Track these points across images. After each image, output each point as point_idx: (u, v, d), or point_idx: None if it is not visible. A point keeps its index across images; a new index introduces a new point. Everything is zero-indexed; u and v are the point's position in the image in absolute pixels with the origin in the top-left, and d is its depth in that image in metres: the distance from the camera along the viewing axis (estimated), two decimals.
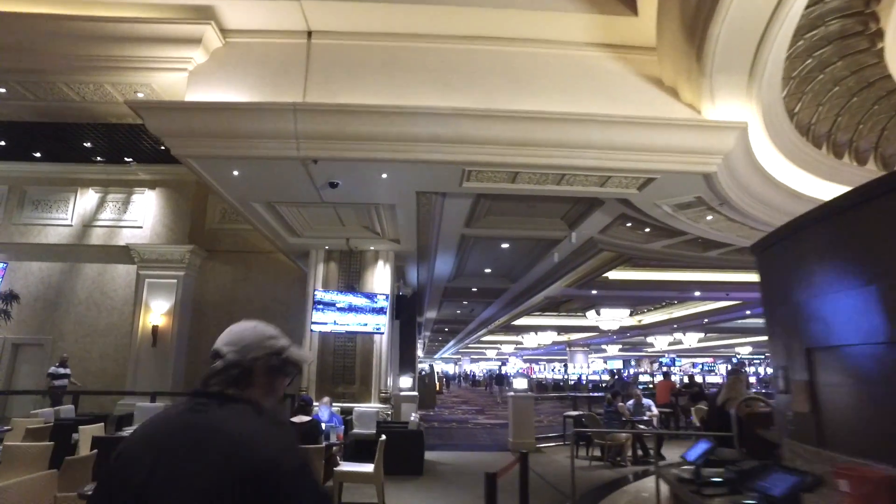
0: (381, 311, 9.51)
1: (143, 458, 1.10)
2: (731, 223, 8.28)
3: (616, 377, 22.05)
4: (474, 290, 16.26)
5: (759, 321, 25.66)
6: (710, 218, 7.95)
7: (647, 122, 5.81)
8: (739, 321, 27.78)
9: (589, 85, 6.07)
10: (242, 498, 1.00)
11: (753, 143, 6.45)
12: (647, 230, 9.77)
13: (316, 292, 9.38)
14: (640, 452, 8.82)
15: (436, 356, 53.55)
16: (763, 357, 44.77)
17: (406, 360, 13.11)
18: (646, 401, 10.05)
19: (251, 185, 6.90)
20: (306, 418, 5.53)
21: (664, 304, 25.13)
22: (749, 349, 45.76)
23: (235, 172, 6.41)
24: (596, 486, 7.22)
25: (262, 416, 1.19)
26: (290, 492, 1.05)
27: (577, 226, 9.31)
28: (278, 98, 5.84)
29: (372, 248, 10.14)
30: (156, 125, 5.81)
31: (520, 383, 11.78)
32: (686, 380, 13.91)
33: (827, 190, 8.92)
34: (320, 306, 9.16)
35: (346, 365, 9.88)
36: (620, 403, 9.12)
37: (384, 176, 6.48)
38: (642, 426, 9.08)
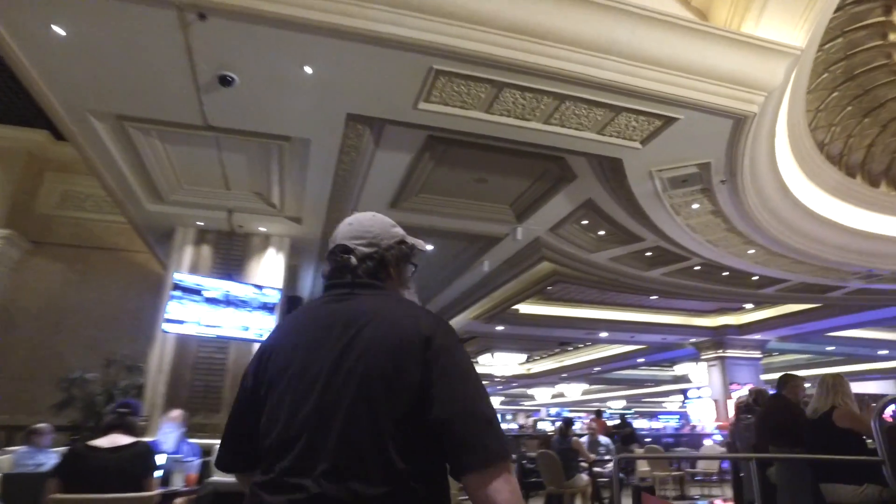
0: (269, 308, 6.97)
1: (297, 344, 1.10)
2: (713, 218, 6.99)
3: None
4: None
5: (649, 372, 25.62)
6: (695, 206, 6.58)
7: (690, 26, 4.25)
8: (629, 371, 27.81)
9: None
10: (415, 358, 1.01)
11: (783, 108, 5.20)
12: (602, 232, 8.30)
13: (176, 275, 6.66)
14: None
15: None
16: (633, 413, 45.48)
17: None
18: (603, 438, 8.30)
19: (88, 71, 4.34)
20: (126, 440, 3.00)
21: (558, 350, 24.41)
22: (623, 403, 46.66)
23: (58, 29, 3.87)
24: None
25: (406, 301, 1.19)
26: (449, 349, 1.04)
27: (527, 216, 7.57)
28: None
29: (262, 229, 7.65)
30: None
31: None
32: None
33: (836, 213, 8.10)
34: (180, 294, 6.43)
35: (211, 385, 7.11)
36: (575, 438, 7.28)
37: (308, 71, 4.28)
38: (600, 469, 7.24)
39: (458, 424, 0.97)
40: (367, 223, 1.25)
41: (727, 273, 10.22)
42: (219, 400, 7.01)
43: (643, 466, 8.31)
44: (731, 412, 8.89)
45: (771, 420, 4.02)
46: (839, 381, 3.52)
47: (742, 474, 4.58)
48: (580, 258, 9.25)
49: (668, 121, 4.79)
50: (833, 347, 20.70)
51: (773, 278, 10.09)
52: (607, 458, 7.39)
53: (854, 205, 8.04)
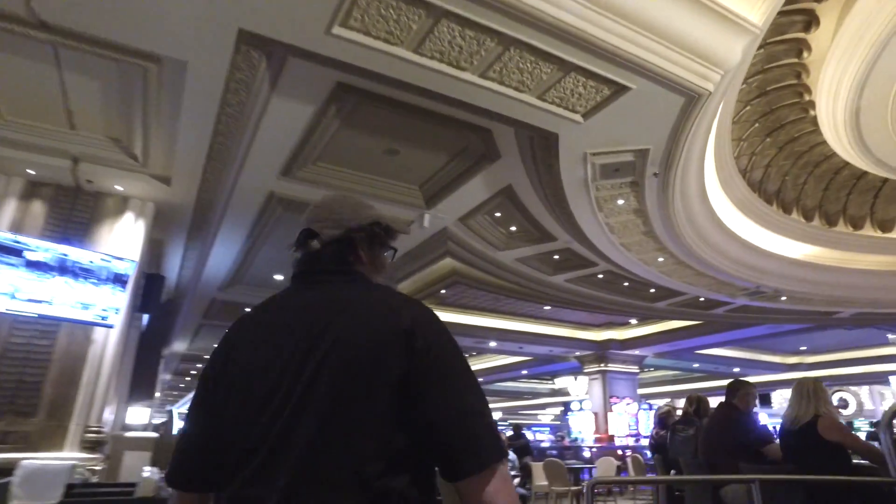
0: (119, 281, 5.55)
1: (261, 338, 1.00)
2: (634, 218, 6.65)
3: None
4: (249, 309, 12.41)
5: (530, 384, 25.97)
6: (620, 202, 6.17)
7: None
8: (510, 382, 28.03)
9: None
10: (395, 351, 0.90)
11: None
12: (514, 228, 7.75)
13: None
14: None
15: (177, 408, 44.34)
16: (507, 424, 46.23)
17: (143, 382, 8.68)
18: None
19: None
20: None
21: None
22: (499, 414, 47.31)
23: None
24: None
25: (382, 287, 1.06)
26: (435, 341, 0.94)
27: (438, 201, 6.80)
28: None
29: (119, 187, 6.18)
30: None
31: None
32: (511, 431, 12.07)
33: (739, 227, 8.14)
34: None
35: (25, 382, 5.51)
36: None
37: None
38: None
39: (451, 426, 0.89)
40: (334, 204, 1.17)
41: (627, 284, 10.16)
42: (35, 401, 5.44)
43: (540, 480, 7.79)
44: (651, 423, 8.59)
45: (724, 433, 3.52)
46: (819, 387, 3.07)
47: (678, 493, 4.10)
48: (486, 256, 8.64)
49: (619, 90, 4.23)
50: (698, 365, 22.11)
51: (670, 291, 10.15)
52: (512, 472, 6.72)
53: (753, 220, 8.16)
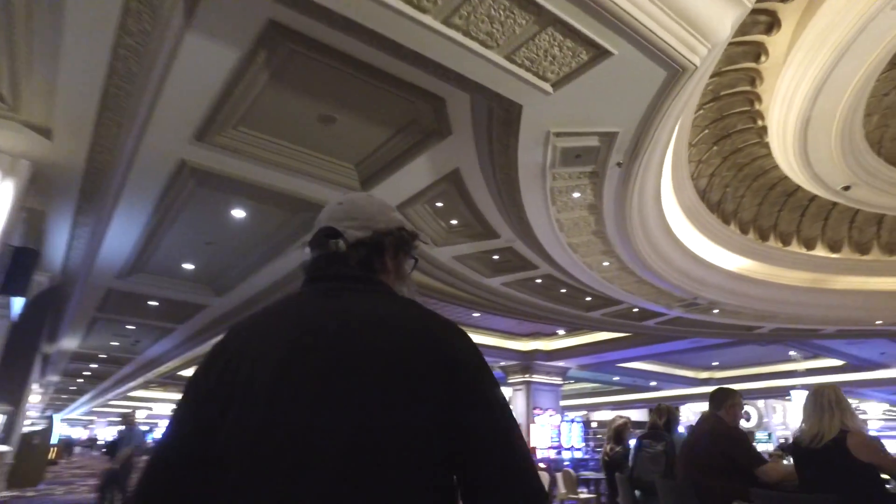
0: None
1: (270, 351, 0.83)
2: (587, 216, 6.22)
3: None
4: (154, 303, 11.08)
5: None
6: (576, 195, 5.71)
7: None
8: None
9: None
10: (434, 384, 0.77)
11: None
12: (455, 222, 7.16)
13: None
14: None
15: (62, 415, 40.14)
16: None
17: (8, 384, 7.26)
18: None
19: None
20: None
21: None
22: None
23: None
24: None
25: (413, 303, 0.92)
26: (482, 382, 0.82)
27: (375, 184, 6.07)
28: None
29: None
30: None
31: None
32: None
33: (685, 235, 7.95)
34: None
35: None
36: None
37: None
38: None
39: (498, 473, 0.78)
40: (361, 202, 1.05)
41: (565, 290, 9.83)
42: None
43: None
44: (605, 438, 8.14)
45: (712, 450, 3.01)
46: (841, 396, 2.60)
47: None
48: (421, 251, 7.98)
49: (599, 56, 3.72)
50: (617, 378, 22.45)
51: (607, 300, 9.92)
52: None
53: (697, 228, 8.02)
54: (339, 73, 4.41)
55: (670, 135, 5.10)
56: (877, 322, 11.25)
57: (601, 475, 13.75)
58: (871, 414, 25.59)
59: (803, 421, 2.68)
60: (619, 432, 5.14)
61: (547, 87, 4.04)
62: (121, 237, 7.60)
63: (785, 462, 2.72)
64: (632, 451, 4.26)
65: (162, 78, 4.32)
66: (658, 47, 3.61)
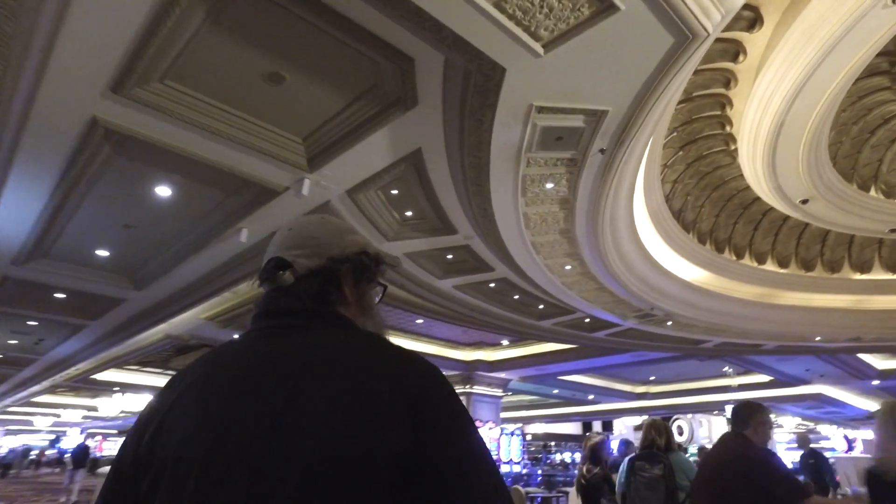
0: None
1: (205, 407, 0.73)
2: (557, 211, 5.73)
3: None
4: (60, 295, 9.74)
5: None
6: (549, 186, 5.20)
7: None
8: None
9: None
10: (395, 429, 0.67)
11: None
12: (410, 213, 6.53)
13: None
14: None
15: None
16: None
17: None
18: None
19: None
20: None
21: None
22: None
23: None
24: None
25: (374, 337, 0.81)
26: (449, 420, 0.72)
27: (325, 162, 5.34)
28: None
29: None
30: None
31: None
32: None
33: (649, 241, 7.63)
34: None
35: None
36: None
37: None
38: None
39: None
40: (311, 227, 0.95)
41: (518, 297, 9.36)
42: None
43: None
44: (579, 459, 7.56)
45: (740, 479, 2.42)
46: None
47: None
48: (370, 248, 7.29)
49: (604, 11, 3.19)
50: (557, 391, 22.31)
51: (560, 308, 9.51)
52: None
53: (660, 234, 7.74)
54: (293, 18, 3.70)
55: (657, 123, 4.69)
56: (816, 338, 11.43)
57: (546, 493, 13.41)
58: (787, 427, 26.77)
59: (883, 447, 2.19)
60: (595, 451, 4.58)
61: (537, 47, 3.49)
62: (16, 215, 6.48)
63: (840, 496, 2.25)
64: (621, 475, 3.66)
65: (60, 9, 3.47)
66: (670, 4, 3.13)
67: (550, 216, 5.81)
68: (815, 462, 7.26)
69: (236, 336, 0.86)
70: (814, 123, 6.33)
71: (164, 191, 6.03)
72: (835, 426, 27.91)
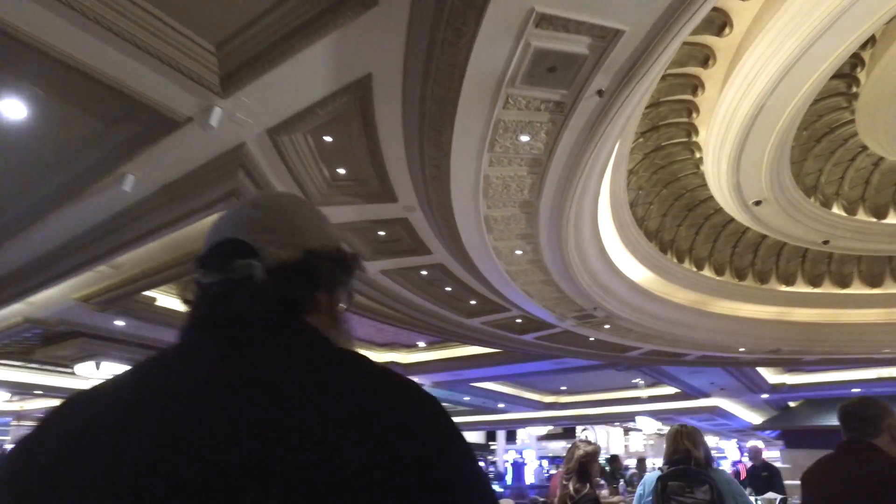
0: None
1: (106, 471, 0.46)
2: (523, 176, 4.80)
3: None
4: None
5: None
6: (524, 139, 4.24)
7: None
8: None
9: None
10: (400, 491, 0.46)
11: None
12: (343, 171, 5.39)
13: None
14: None
15: None
16: None
17: None
18: None
19: None
20: None
21: None
22: None
23: None
24: None
25: (360, 359, 0.57)
26: (466, 487, 0.51)
27: (244, 84, 4.07)
28: None
29: None
30: None
31: None
32: None
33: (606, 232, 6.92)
34: None
35: None
36: None
37: None
38: None
39: None
40: (286, 207, 0.72)
41: (450, 289, 8.40)
42: None
43: None
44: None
45: None
46: None
47: None
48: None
49: None
50: (468, 398, 21.61)
51: (494, 305, 8.65)
52: None
53: (615, 224, 7.09)
54: None
55: (665, 64, 3.89)
56: (740, 349, 11.40)
57: None
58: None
59: None
60: (584, 465, 3.62)
61: None
62: None
63: None
64: (642, 498, 2.70)
65: None
66: None
67: (515, 182, 4.88)
68: (768, 475, 6.92)
69: (156, 354, 0.46)
70: (788, 116, 5.90)
71: (15, 109, 4.45)
72: (718, 437, 29.40)
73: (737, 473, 7.16)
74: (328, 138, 4.84)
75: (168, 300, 9.74)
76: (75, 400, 0.56)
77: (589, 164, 4.51)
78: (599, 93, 3.66)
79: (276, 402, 0.48)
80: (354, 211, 6.02)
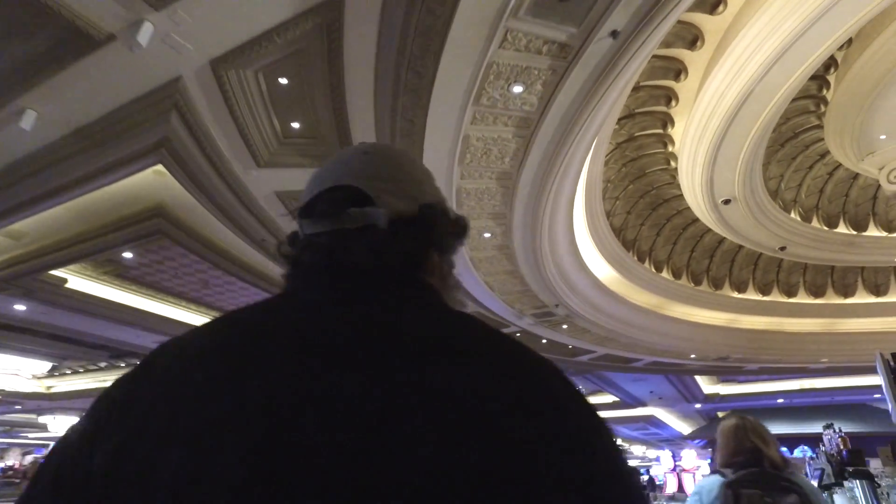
0: None
1: (219, 409, 0.40)
2: (509, 139, 4.24)
3: None
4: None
5: None
6: (517, 90, 3.67)
7: None
8: None
9: None
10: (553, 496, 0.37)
11: None
12: (298, 125, 4.68)
13: None
14: None
15: None
16: None
17: None
18: None
19: None
20: None
21: (105, 364, 17.82)
22: None
23: None
24: None
25: (491, 330, 0.48)
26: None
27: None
28: None
29: None
30: None
31: None
32: None
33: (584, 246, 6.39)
34: None
35: None
36: None
37: None
38: None
39: None
40: (397, 156, 0.62)
41: None
42: None
43: None
44: None
45: None
46: None
47: None
48: (231, 174, 5.20)
49: None
50: None
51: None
52: None
53: (585, 215, 6.67)
54: None
55: (685, 7, 3.44)
56: (691, 356, 11.33)
57: None
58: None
59: None
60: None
61: None
62: None
63: None
64: None
65: None
66: None
67: (498, 147, 4.32)
68: None
69: (253, 304, 0.37)
70: (774, 107, 5.66)
71: None
72: (646, 447, 30.03)
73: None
74: (284, 80, 4.11)
75: (82, 283, 8.41)
76: (170, 350, 0.47)
77: (582, 130, 4.02)
78: (614, 34, 3.16)
79: (424, 361, 0.41)
80: (301, 174, 5.27)
